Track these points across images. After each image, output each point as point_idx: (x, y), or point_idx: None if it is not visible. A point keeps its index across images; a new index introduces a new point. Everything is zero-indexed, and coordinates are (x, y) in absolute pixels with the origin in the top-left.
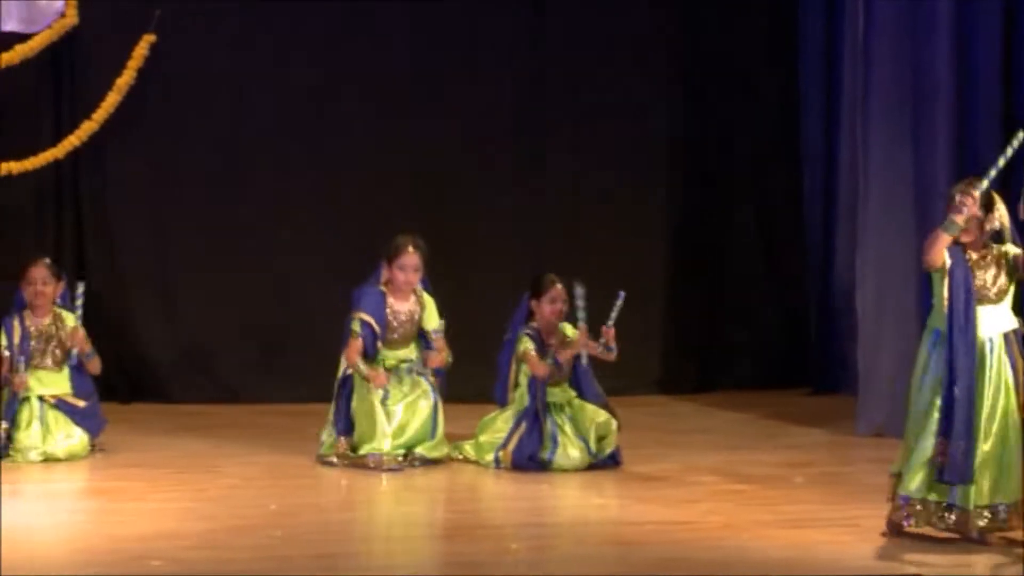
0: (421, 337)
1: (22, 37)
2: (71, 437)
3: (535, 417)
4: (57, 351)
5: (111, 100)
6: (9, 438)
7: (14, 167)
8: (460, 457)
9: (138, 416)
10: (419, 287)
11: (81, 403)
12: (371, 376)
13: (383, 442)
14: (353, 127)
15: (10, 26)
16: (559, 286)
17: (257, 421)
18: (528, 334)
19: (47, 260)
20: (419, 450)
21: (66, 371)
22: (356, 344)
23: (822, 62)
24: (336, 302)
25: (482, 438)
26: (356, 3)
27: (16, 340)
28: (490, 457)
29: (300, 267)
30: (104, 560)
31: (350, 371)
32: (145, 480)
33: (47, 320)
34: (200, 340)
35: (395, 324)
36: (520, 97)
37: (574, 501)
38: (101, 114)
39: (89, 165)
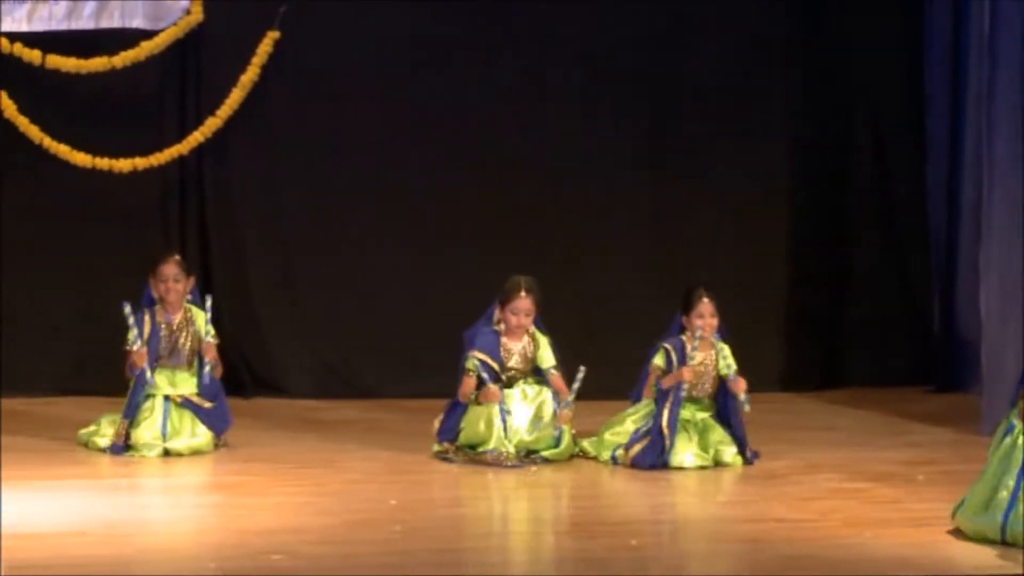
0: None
1: (148, 34)
2: (196, 436)
3: (660, 433)
4: (187, 348)
5: (235, 96)
6: (127, 436)
7: (139, 163)
8: (579, 453)
9: (260, 411)
10: (532, 327)
11: (207, 404)
12: (484, 397)
13: (502, 444)
14: (476, 131)
15: (136, 23)
16: (706, 300)
17: (377, 416)
18: (665, 347)
19: (177, 256)
20: (543, 454)
21: (195, 370)
22: (469, 382)
23: (949, 61)
24: (456, 299)
25: (606, 435)
26: (485, 9)
27: (145, 335)
28: (607, 455)
29: (421, 264)
30: (226, 554)
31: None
32: (266, 475)
33: (178, 316)
34: (322, 335)
35: (509, 364)
36: (647, 95)
37: (695, 498)
38: (225, 110)
39: (213, 161)
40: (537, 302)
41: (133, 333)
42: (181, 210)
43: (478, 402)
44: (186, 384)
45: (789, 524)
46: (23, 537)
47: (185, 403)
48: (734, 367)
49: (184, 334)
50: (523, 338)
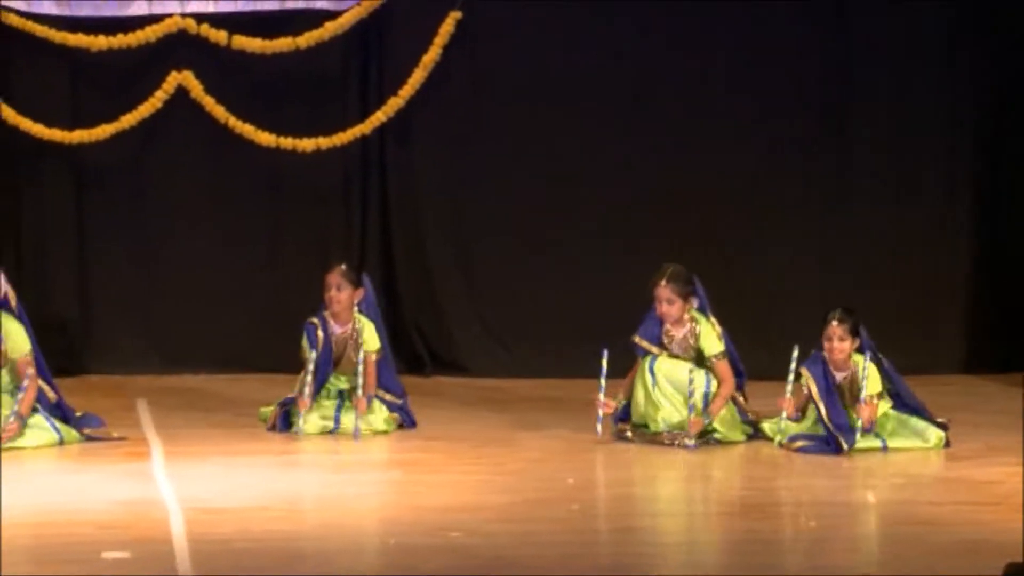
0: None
1: (332, 14)
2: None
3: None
4: (354, 358)
5: (417, 76)
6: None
7: (322, 143)
8: (757, 434)
9: (439, 389)
10: (696, 313)
11: (388, 396)
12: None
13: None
14: (655, 115)
15: (320, 4)
16: (834, 323)
17: (556, 395)
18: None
19: (343, 266)
20: (716, 436)
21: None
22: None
23: None
24: (635, 279)
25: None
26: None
27: (319, 347)
28: (781, 438)
29: (600, 244)
30: (406, 530)
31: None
32: (446, 453)
33: (346, 329)
34: (502, 314)
35: (670, 348)
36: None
37: (872, 480)
38: (407, 90)
39: (395, 141)
40: (680, 291)
41: (307, 347)
42: (363, 190)
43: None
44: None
45: (968, 507)
46: (207, 511)
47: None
48: (866, 392)
49: (351, 346)
50: (685, 325)
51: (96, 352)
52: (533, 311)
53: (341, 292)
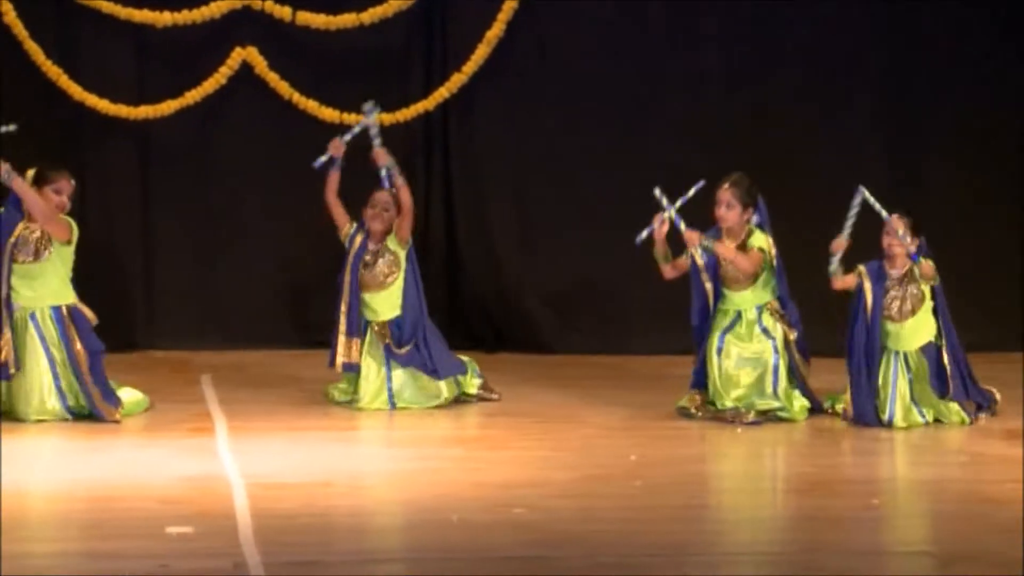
0: None
1: None
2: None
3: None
4: (381, 275)
5: (480, 52)
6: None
7: (386, 118)
8: (829, 410)
9: (502, 365)
10: (754, 227)
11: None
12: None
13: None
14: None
15: None
16: (895, 216)
17: (619, 371)
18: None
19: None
20: (780, 414)
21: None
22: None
23: None
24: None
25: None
26: None
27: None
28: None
29: (639, 217)
30: (468, 506)
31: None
32: (509, 428)
33: (380, 244)
34: (564, 290)
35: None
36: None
37: (934, 457)
38: (471, 66)
39: (458, 117)
40: (741, 197)
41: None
42: (426, 166)
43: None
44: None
45: None
46: (271, 487)
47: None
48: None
49: (383, 261)
50: (740, 236)
51: (160, 327)
52: (596, 287)
53: (388, 212)
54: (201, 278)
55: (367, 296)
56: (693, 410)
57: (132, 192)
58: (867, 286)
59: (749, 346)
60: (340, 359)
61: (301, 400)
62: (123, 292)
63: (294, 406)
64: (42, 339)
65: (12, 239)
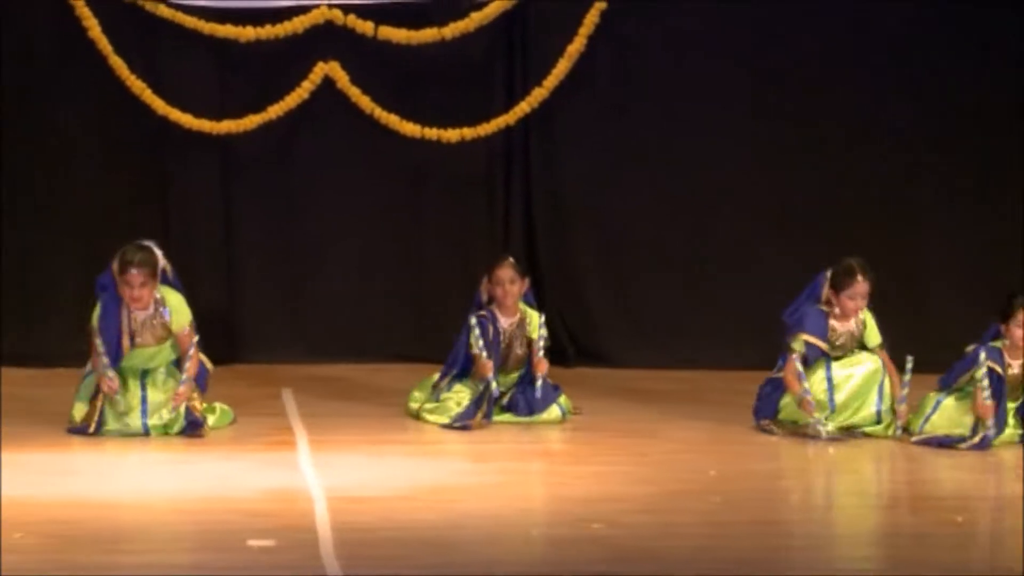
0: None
1: (477, 5)
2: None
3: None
4: (519, 353)
5: (562, 67)
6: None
7: (467, 133)
8: (902, 429)
9: (582, 380)
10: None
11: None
12: (805, 407)
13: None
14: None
15: None
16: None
17: (699, 386)
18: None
19: (511, 259)
20: (864, 429)
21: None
22: (794, 366)
23: None
24: (776, 274)
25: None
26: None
27: (490, 338)
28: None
29: (744, 238)
30: (546, 520)
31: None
32: (588, 443)
33: (514, 320)
34: (645, 305)
35: (836, 343)
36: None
37: (1018, 473)
38: (552, 80)
39: (539, 131)
40: (874, 285)
41: (476, 335)
42: (506, 180)
43: (801, 405)
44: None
45: None
46: (352, 500)
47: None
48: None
49: (518, 340)
50: (851, 318)
51: (243, 341)
52: (677, 302)
53: (514, 285)
54: (283, 291)
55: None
56: (772, 426)
57: (214, 206)
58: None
59: (852, 360)
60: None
61: (382, 413)
62: (205, 305)
63: (375, 419)
64: (144, 373)
65: (126, 329)
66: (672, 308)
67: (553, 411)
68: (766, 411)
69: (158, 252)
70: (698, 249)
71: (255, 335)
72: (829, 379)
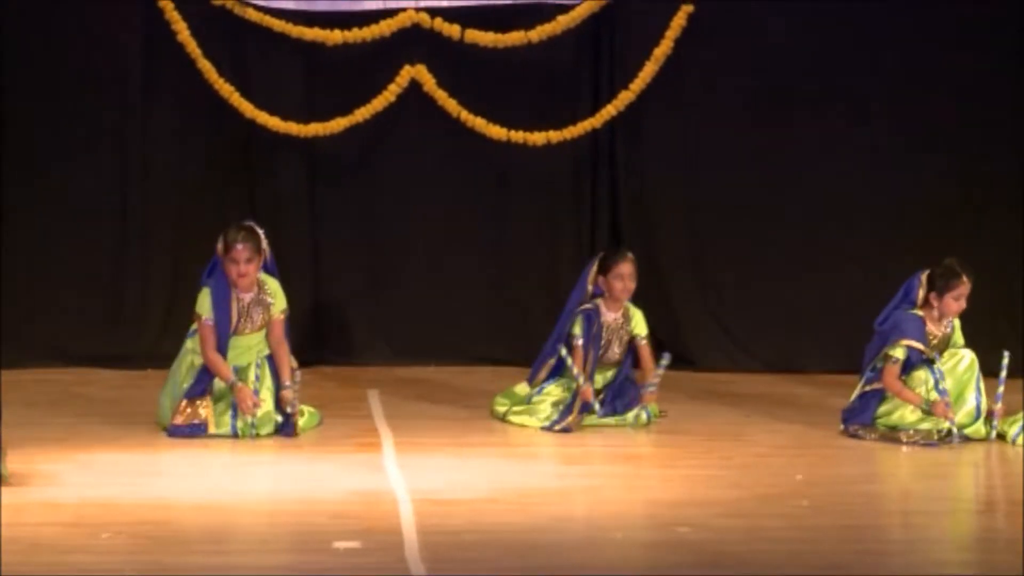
0: None
1: (564, 8)
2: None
3: None
4: (616, 350)
5: (648, 70)
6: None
7: (553, 136)
8: (998, 434)
9: (668, 383)
10: None
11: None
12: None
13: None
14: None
15: None
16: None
17: (786, 389)
18: None
19: (631, 254)
20: (965, 431)
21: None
22: (894, 370)
23: None
24: (862, 277)
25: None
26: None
27: (593, 331)
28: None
29: (829, 242)
30: (633, 523)
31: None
32: (674, 447)
33: (619, 314)
34: (732, 309)
35: (932, 346)
36: None
37: None
38: (638, 84)
39: (625, 135)
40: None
41: (579, 332)
42: (592, 183)
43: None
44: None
45: None
46: (437, 502)
47: None
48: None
49: (618, 337)
50: (945, 321)
51: (328, 342)
52: (764, 305)
53: (634, 281)
54: (368, 293)
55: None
56: (862, 431)
57: (301, 208)
58: None
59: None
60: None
61: (468, 416)
62: (292, 306)
63: (461, 422)
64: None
65: (235, 312)
66: (758, 311)
67: (640, 415)
68: (861, 418)
69: (260, 232)
70: (784, 252)
71: (341, 337)
72: (936, 380)
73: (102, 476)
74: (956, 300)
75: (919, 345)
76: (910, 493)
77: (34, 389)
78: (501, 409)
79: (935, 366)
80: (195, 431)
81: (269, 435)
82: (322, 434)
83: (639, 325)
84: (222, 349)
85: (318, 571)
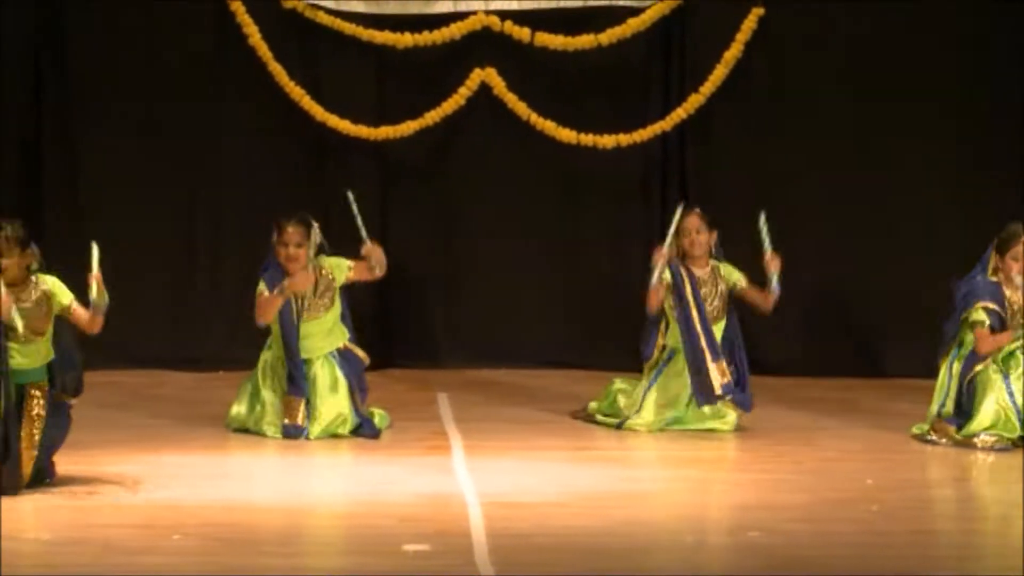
0: None
1: (634, 11)
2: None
3: None
4: (717, 302)
5: (718, 73)
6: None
7: (623, 139)
8: None
9: None
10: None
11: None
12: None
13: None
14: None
15: (623, 0)
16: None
17: (855, 394)
18: None
19: (698, 209)
20: None
21: None
22: (983, 333)
23: None
24: (936, 277)
25: None
26: None
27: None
28: None
29: (903, 242)
30: (704, 527)
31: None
32: (744, 451)
33: (707, 270)
34: (801, 311)
35: (1012, 312)
36: None
37: None
38: (708, 87)
39: (695, 138)
40: None
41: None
42: (662, 186)
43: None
44: None
45: None
46: (507, 505)
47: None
48: None
49: (714, 291)
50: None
51: (398, 345)
52: (835, 307)
53: (701, 235)
54: (439, 296)
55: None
56: (932, 435)
57: (371, 211)
58: None
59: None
60: (719, 381)
61: (537, 419)
62: (363, 309)
63: (530, 425)
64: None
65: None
66: (828, 315)
67: (728, 417)
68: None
69: (314, 223)
70: (856, 256)
71: (410, 339)
72: (1011, 393)
73: (172, 478)
74: (1015, 260)
75: (995, 306)
76: (983, 498)
77: (105, 391)
78: (594, 405)
79: (1008, 380)
80: (298, 432)
81: (352, 433)
82: (392, 437)
83: (731, 274)
84: (288, 332)
85: (387, 574)
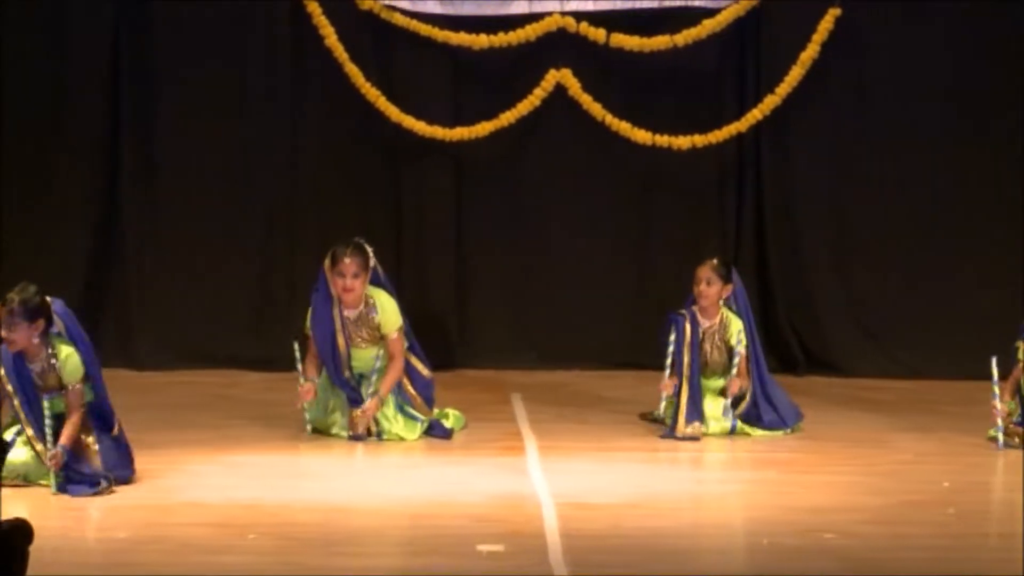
0: None
1: (709, 12)
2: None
3: None
4: (717, 357)
5: (795, 74)
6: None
7: (698, 140)
8: None
9: (812, 389)
10: None
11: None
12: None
13: None
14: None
15: (698, 1)
16: None
17: (931, 396)
18: None
19: (715, 260)
20: None
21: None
22: (1018, 370)
23: None
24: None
25: None
26: None
27: (687, 340)
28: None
29: (979, 247)
30: (778, 530)
31: None
32: (818, 452)
33: (715, 321)
34: (878, 315)
35: None
36: None
37: None
38: (784, 88)
39: (771, 139)
40: None
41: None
42: (738, 188)
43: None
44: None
45: None
46: (581, 507)
47: None
48: None
49: (715, 344)
50: None
51: (472, 346)
52: (911, 312)
53: (711, 287)
54: (513, 298)
55: None
56: (1005, 437)
57: (446, 212)
58: None
59: None
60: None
61: (610, 420)
62: (437, 310)
63: (603, 426)
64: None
65: (339, 327)
66: (903, 317)
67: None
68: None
69: (369, 249)
70: (931, 257)
71: (484, 340)
72: None
73: (248, 478)
74: None
75: None
76: None
77: (180, 391)
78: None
79: None
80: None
81: (425, 434)
82: (466, 438)
83: (733, 335)
84: (332, 360)
85: (461, 574)
